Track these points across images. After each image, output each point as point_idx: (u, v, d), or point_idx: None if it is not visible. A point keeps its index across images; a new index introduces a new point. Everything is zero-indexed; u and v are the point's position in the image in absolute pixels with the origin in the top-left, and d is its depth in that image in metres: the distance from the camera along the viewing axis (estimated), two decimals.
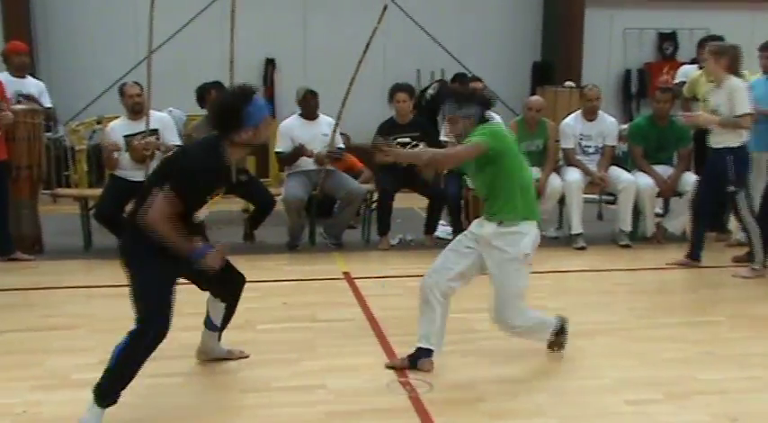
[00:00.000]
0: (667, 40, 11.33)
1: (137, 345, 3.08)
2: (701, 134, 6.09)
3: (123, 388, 3.08)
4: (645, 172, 6.63)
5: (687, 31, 11.03)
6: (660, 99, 6.65)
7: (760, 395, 3.49)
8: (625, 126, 7.50)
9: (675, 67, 8.88)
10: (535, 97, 7.24)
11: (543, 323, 3.86)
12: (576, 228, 6.56)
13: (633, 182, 6.58)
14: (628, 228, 6.64)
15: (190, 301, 4.65)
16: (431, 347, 3.72)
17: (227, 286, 3.66)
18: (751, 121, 5.47)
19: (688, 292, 5.33)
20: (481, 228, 3.71)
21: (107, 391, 3.05)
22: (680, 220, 6.65)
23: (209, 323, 3.75)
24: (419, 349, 3.73)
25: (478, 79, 6.87)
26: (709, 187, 5.72)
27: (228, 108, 3.25)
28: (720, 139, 5.53)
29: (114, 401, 3.07)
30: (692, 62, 7.57)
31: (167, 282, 3.22)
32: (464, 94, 3.75)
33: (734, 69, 5.52)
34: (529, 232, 3.66)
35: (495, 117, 6.77)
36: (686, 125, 6.15)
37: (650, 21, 11.46)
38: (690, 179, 6.49)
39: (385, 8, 6.10)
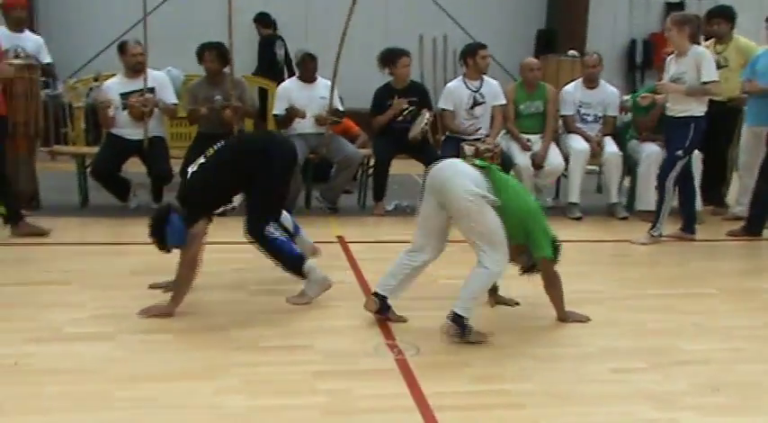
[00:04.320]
0: (675, 9, 11.17)
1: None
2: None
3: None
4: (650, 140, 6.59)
5: (696, 2, 10.90)
6: None
7: (742, 366, 3.52)
8: (627, 97, 7.45)
9: None
10: (530, 58, 7.16)
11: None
12: (574, 196, 6.57)
13: (617, 154, 6.59)
14: (614, 199, 6.66)
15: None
16: None
17: None
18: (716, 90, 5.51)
19: (680, 264, 5.35)
20: None
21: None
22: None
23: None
24: None
25: (483, 46, 6.80)
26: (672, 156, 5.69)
27: (154, 234, 3.83)
28: (685, 108, 5.54)
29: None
30: None
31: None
32: None
33: (695, 40, 5.52)
34: None
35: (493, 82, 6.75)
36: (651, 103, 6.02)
37: None
38: None
39: None
